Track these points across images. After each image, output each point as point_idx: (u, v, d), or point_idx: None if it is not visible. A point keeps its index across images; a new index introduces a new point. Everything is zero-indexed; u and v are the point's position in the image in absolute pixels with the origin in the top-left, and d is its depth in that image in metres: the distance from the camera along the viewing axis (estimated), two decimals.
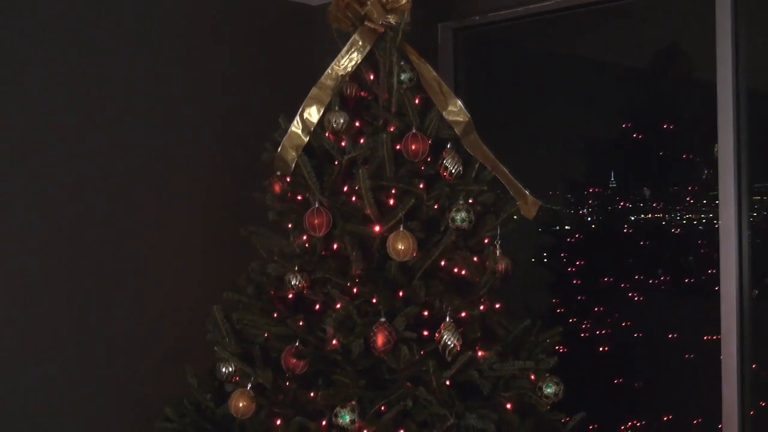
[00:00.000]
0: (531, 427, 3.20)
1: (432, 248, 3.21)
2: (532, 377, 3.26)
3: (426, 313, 3.22)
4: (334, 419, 3.04)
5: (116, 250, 4.02)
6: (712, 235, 5.26)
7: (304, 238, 3.37)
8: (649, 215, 5.60)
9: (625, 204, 5.69)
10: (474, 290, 3.32)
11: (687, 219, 5.49)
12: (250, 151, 3.65)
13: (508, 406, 3.21)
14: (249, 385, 3.20)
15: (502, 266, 3.34)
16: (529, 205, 3.41)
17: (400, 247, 3.09)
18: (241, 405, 3.17)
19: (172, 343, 4.11)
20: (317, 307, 3.34)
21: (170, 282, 4.20)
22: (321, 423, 3.16)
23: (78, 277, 3.89)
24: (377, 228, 3.20)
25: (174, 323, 4.15)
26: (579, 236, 5.78)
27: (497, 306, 3.42)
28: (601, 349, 5.46)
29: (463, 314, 3.24)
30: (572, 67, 5.55)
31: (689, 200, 5.50)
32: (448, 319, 3.13)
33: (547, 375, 3.23)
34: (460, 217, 3.18)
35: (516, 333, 3.30)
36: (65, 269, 3.86)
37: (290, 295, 3.34)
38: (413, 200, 3.18)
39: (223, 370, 3.37)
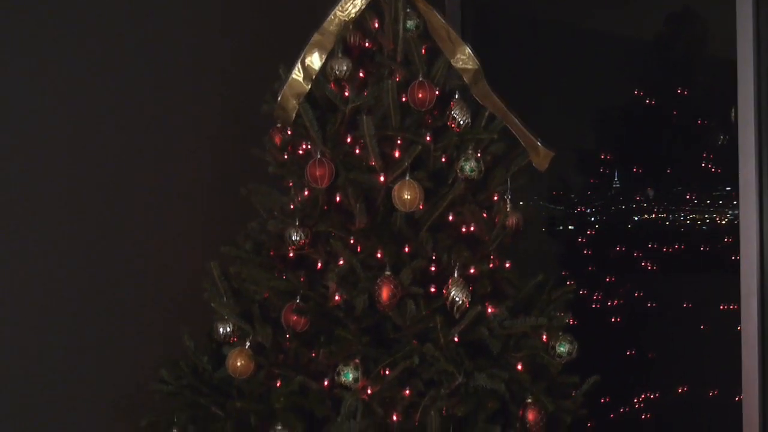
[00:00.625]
0: (543, 388, 3.04)
1: (439, 201, 3.06)
2: (544, 337, 3.11)
3: (433, 269, 3.07)
4: (336, 378, 2.90)
5: (112, 212, 3.87)
6: (730, 200, 5.11)
7: (306, 193, 3.22)
8: (664, 183, 5.44)
9: (638, 170, 5.54)
10: (483, 246, 3.17)
11: (704, 184, 5.33)
12: (250, 104, 3.50)
13: (519, 366, 3.06)
14: (247, 344, 3.05)
15: (512, 221, 3.20)
16: (541, 157, 3.25)
17: (406, 196, 2.94)
18: (239, 364, 3.02)
19: (169, 307, 3.97)
20: (319, 265, 3.20)
21: (168, 246, 4.05)
22: (323, 383, 3.01)
23: (74, 238, 3.75)
24: (382, 178, 3.05)
25: (172, 287, 4.00)
26: (590, 207, 5.63)
27: (507, 265, 3.26)
28: (613, 319, 5.32)
29: (472, 270, 3.09)
30: (582, 36, 5.41)
31: (708, 167, 5.34)
32: (456, 275, 2.98)
33: (560, 333, 3.07)
34: (469, 166, 3.03)
35: (527, 290, 3.14)
36: (62, 227, 3.71)
37: (291, 254, 3.19)
38: (419, 147, 3.02)
39: (221, 330, 3.22)
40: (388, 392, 2.92)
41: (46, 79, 3.69)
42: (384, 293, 2.89)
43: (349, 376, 2.87)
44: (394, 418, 2.94)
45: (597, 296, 5.37)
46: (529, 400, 2.99)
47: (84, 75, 3.81)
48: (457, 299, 2.95)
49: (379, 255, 3.02)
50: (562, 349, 3.05)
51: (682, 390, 5.08)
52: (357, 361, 2.89)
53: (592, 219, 5.68)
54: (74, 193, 3.77)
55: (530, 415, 2.98)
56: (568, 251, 5.56)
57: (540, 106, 5.23)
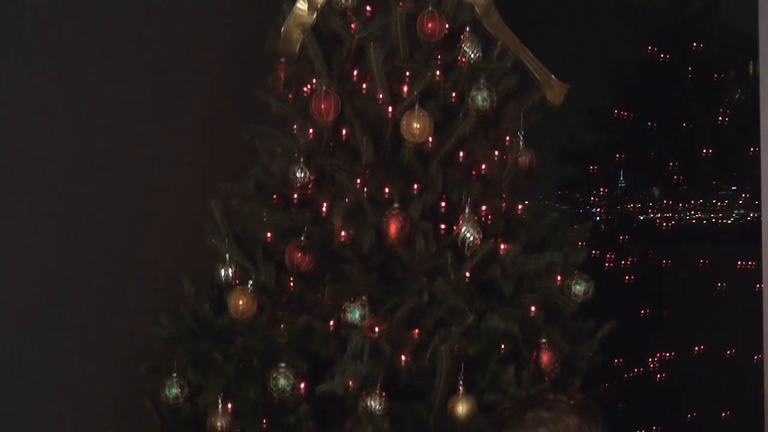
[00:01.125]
0: (558, 331, 2.92)
1: (449, 135, 2.93)
2: (558, 279, 2.98)
3: (443, 205, 2.95)
4: (342, 317, 2.78)
5: (112, 155, 3.75)
6: (747, 155, 4.99)
7: (311, 132, 3.10)
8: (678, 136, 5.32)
9: (653, 125, 5.42)
10: (495, 186, 3.04)
11: (720, 135, 5.22)
12: (252, 46, 3.37)
13: (533, 309, 2.93)
14: (250, 284, 2.93)
15: (525, 160, 3.06)
16: (555, 92, 3.12)
17: (415, 126, 2.81)
18: (241, 304, 2.89)
19: (170, 253, 3.84)
20: (324, 208, 3.07)
21: (169, 192, 3.93)
22: (328, 324, 2.89)
23: (72, 181, 3.62)
24: (390, 110, 2.92)
25: (172, 233, 3.88)
26: (603, 163, 5.52)
27: (520, 207, 3.14)
28: (627, 278, 5.20)
29: (484, 208, 2.97)
30: None
31: (724, 121, 5.22)
32: (467, 212, 2.85)
33: (575, 272, 2.95)
34: (480, 97, 2.89)
35: (542, 228, 3.02)
36: (61, 169, 3.60)
37: (295, 196, 3.06)
38: (429, 74, 2.89)
39: (222, 272, 3.08)
40: (396, 331, 2.80)
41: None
42: (392, 228, 2.76)
43: (355, 313, 2.75)
44: (403, 359, 2.82)
45: (610, 256, 5.26)
46: (544, 341, 2.86)
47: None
48: (468, 237, 2.83)
49: (386, 191, 2.89)
50: (578, 288, 2.92)
51: (699, 349, 4.97)
52: (364, 299, 2.77)
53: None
54: (75, 133, 3.64)
55: (544, 357, 2.86)
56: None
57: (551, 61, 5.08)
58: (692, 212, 5.28)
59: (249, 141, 3.27)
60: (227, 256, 3.06)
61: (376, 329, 2.77)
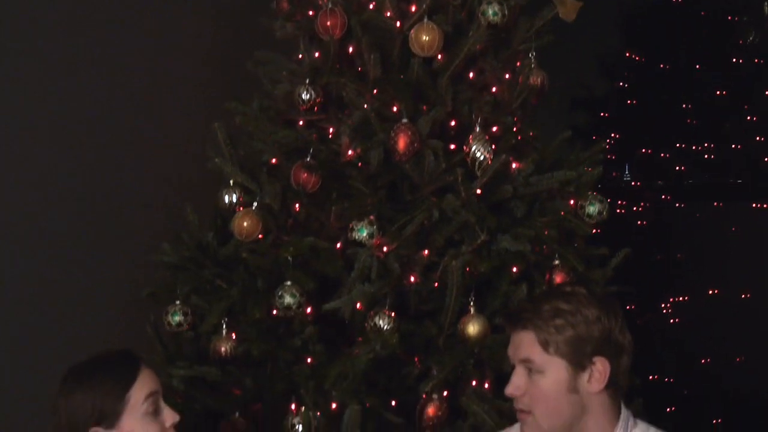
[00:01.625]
0: (571, 252, 2.83)
1: (459, 49, 2.83)
2: (572, 202, 2.89)
3: (453, 125, 2.86)
4: (349, 235, 2.69)
5: (112, 85, 3.67)
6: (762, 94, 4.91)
7: (316, 55, 3.00)
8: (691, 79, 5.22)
9: (664, 67, 5.31)
10: (506, 106, 2.94)
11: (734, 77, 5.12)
12: None
13: (545, 232, 2.84)
14: (255, 204, 2.84)
15: (537, 80, 2.97)
16: (568, 8, 3.01)
17: (424, 38, 2.71)
18: (245, 224, 2.80)
19: (172, 183, 3.76)
20: (331, 131, 2.98)
21: (171, 120, 3.84)
22: (335, 245, 2.80)
23: (74, 111, 3.54)
24: (398, 24, 2.82)
25: (175, 161, 3.79)
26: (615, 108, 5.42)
27: (531, 134, 3.04)
28: (639, 223, 5.11)
29: (495, 129, 2.88)
30: None
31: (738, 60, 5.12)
32: (477, 129, 2.76)
33: (589, 192, 2.85)
34: (491, 10, 2.78)
35: (554, 148, 2.92)
36: (63, 99, 3.51)
37: (301, 122, 2.97)
38: None
39: (226, 198, 2.99)
40: (405, 251, 2.72)
41: None
42: (401, 142, 2.67)
43: (363, 232, 2.67)
44: (412, 279, 2.74)
45: (622, 202, 5.16)
46: (557, 263, 2.78)
47: None
48: (478, 155, 2.73)
49: (394, 108, 2.80)
50: (592, 208, 2.83)
51: (713, 293, 4.87)
52: (372, 218, 2.69)
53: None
54: (78, 55, 3.56)
55: (557, 278, 2.77)
56: None
57: None
58: (705, 155, 5.18)
59: (253, 68, 3.19)
60: (231, 181, 2.97)
61: (385, 248, 2.68)
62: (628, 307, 4.78)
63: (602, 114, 5.40)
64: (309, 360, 2.72)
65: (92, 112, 3.61)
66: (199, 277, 2.99)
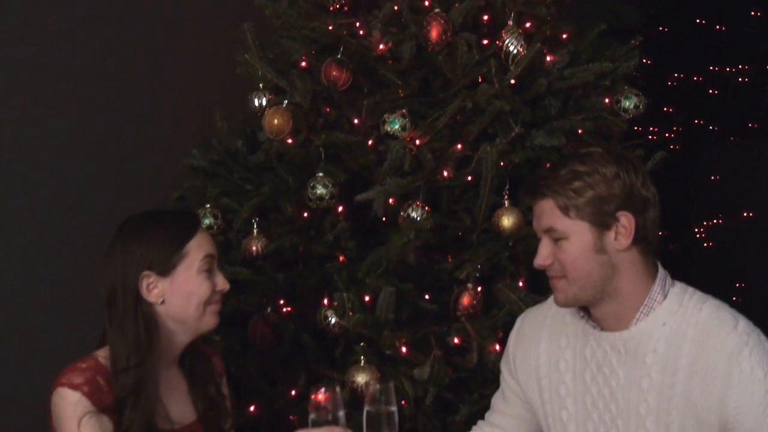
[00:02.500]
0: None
1: None
2: (607, 100, 2.83)
3: (486, 18, 2.80)
4: (381, 128, 2.65)
5: None
6: None
7: None
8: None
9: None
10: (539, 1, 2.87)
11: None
12: None
13: (580, 131, 2.79)
14: (285, 102, 2.80)
15: None
16: None
17: None
18: (276, 121, 2.76)
19: (202, 88, 3.73)
20: (361, 33, 2.92)
21: (198, 20, 3.79)
22: (366, 140, 2.77)
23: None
24: None
25: (204, 68, 3.76)
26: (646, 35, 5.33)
27: (564, 36, 2.97)
28: (672, 147, 5.04)
29: (528, 24, 2.82)
30: None
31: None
32: (510, 23, 2.71)
33: (625, 87, 2.79)
34: None
35: (589, 41, 2.86)
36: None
37: (330, 27, 2.92)
38: None
39: (256, 101, 2.96)
40: (439, 143, 2.67)
41: None
42: (433, 30, 2.62)
43: (395, 123, 2.63)
44: (445, 174, 2.69)
45: (653, 129, 5.09)
46: None
47: None
48: (511, 48, 2.68)
49: (426, 2, 2.75)
50: (628, 102, 2.77)
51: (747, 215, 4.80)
52: (404, 110, 2.65)
53: None
54: None
55: None
56: None
57: None
58: (739, 78, 5.09)
59: None
60: (260, 84, 2.94)
61: (417, 141, 2.64)
62: (660, 233, 4.72)
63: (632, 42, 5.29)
64: (341, 258, 2.70)
65: (122, 18, 3.57)
66: (229, 182, 2.97)
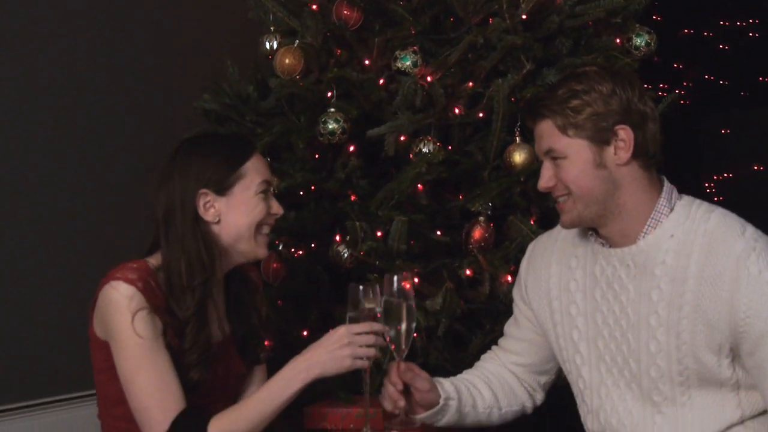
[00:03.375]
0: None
1: None
2: (618, 40, 2.82)
3: None
4: (393, 64, 2.65)
5: None
6: None
7: None
8: None
9: None
10: None
11: None
12: None
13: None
14: (296, 42, 2.81)
15: None
16: None
17: None
18: (287, 61, 2.77)
19: (212, 32, 3.73)
20: None
21: None
22: (378, 79, 2.76)
23: None
24: None
25: (215, 10, 3.76)
26: None
27: None
28: (682, 102, 5.02)
29: None
30: None
31: None
32: None
33: (636, 24, 2.79)
34: None
35: None
36: None
37: None
38: None
39: (267, 44, 2.97)
40: (450, 80, 2.68)
41: None
42: None
43: (407, 60, 2.63)
44: (456, 111, 2.70)
45: (663, 86, 5.07)
46: None
47: None
48: None
49: None
50: (639, 40, 2.77)
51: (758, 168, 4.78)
52: (416, 47, 2.65)
53: None
54: None
55: None
56: None
57: None
58: (750, 33, 5.06)
59: None
60: (272, 27, 2.94)
61: (429, 78, 2.65)
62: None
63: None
64: (353, 197, 2.71)
65: None
66: (240, 126, 2.98)
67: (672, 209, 1.81)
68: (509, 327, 2.14)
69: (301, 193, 2.80)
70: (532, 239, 2.48)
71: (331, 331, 1.86)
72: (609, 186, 1.80)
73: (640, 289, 1.80)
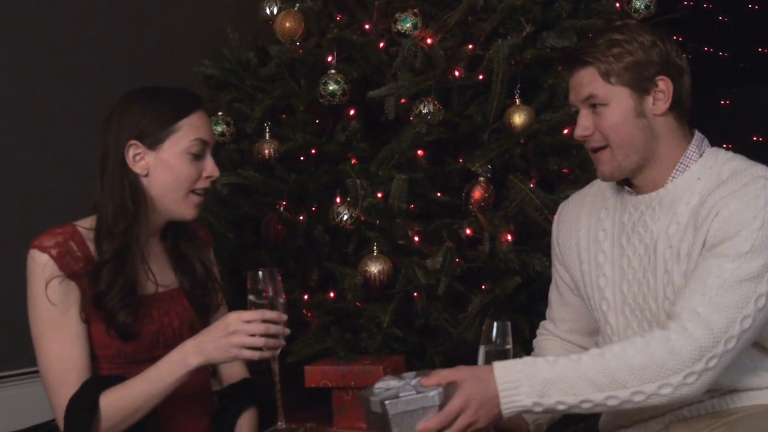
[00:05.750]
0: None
1: None
2: (617, 4, 2.83)
3: None
4: (393, 26, 2.66)
5: None
6: None
7: None
8: None
9: None
10: None
11: None
12: None
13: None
14: (297, 6, 2.81)
15: None
16: None
17: None
18: (287, 24, 2.79)
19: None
20: None
21: None
22: (377, 43, 2.77)
23: None
24: None
25: None
26: None
27: None
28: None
29: None
30: None
31: None
32: None
33: None
34: None
35: None
36: None
37: None
38: None
39: (267, 10, 2.99)
40: (450, 42, 2.69)
41: None
42: None
43: (407, 22, 2.63)
44: (456, 73, 2.71)
45: None
46: None
47: None
48: None
49: None
50: (639, 3, 2.79)
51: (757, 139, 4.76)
52: (416, 9, 2.65)
53: None
54: None
55: None
56: None
57: None
58: (749, 5, 5.03)
59: None
60: None
61: (429, 40, 2.65)
62: None
63: None
64: (353, 161, 2.72)
65: None
66: (241, 91, 2.99)
67: (701, 155, 1.83)
68: (552, 294, 2.11)
69: (302, 158, 2.82)
70: (531, 199, 2.50)
71: (223, 317, 1.75)
72: (647, 135, 1.81)
73: (661, 227, 1.82)
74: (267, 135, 2.83)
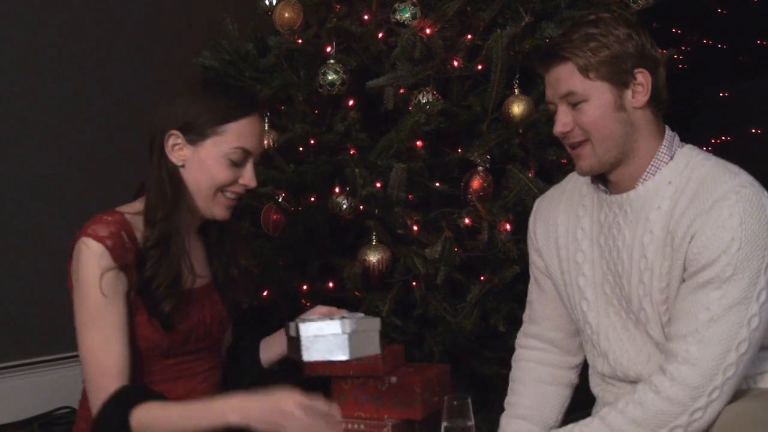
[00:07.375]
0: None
1: None
2: None
3: None
4: (392, 16, 2.66)
5: None
6: None
7: None
8: None
9: None
10: None
11: None
12: None
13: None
14: None
15: None
16: None
17: None
18: (287, 14, 2.79)
19: None
20: None
21: None
22: (377, 31, 2.77)
23: None
24: None
25: None
26: None
27: None
28: (680, 67, 5.02)
29: None
30: None
31: None
32: None
33: None
34: None
35: None
36: None
37: None
38: None
39: (266, 1, 3.00)
40: (449, 32, 2.69)
41: None
42: None
43: (406, 12, 2.63)
44: (455, 64, 2.71)
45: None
46: None
47: None
48: None
49: None
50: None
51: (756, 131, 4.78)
52: (415, 0, 2.65)
53: None
54: None
55: None
56: None
57: None
58: None
59: None
60: None
61: (428, 30, 2.65)
62: None
63: None
64: (352, 151, 2.72)
65: None
66: (240, 82, 2.98)
67: (672, 157, 1.81)
68: (532, 294, 2.10)
69: (301, 149, 2.82)
70: (530, 188, 2.50)
71: (291, 404, 1.62)
72: (628, 128, 1.80)
73: (635, 234, 1.81)
74: (266, 125, 2.83)
